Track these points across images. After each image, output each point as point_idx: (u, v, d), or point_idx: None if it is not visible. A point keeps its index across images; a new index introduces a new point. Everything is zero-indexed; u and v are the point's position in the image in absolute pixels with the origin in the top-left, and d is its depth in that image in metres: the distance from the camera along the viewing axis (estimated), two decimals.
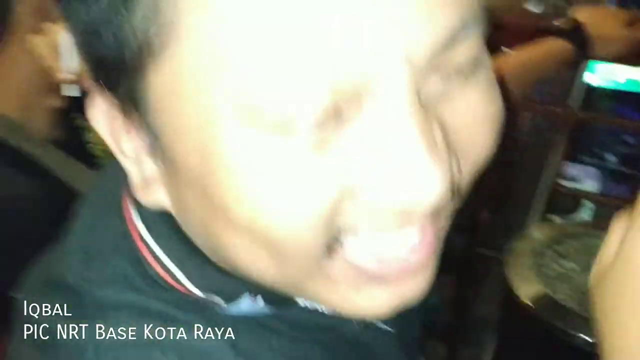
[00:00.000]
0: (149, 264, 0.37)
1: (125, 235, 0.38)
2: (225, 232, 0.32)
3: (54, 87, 0.83)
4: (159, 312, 0.36)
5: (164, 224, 0.37)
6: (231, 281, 0.37)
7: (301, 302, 0.40)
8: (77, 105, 0.84)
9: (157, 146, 0.32)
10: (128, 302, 0.36)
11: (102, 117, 0.34)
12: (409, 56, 0.27)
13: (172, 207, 0.35)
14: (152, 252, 0.37)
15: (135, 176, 0.35)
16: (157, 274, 0.37)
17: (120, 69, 0.30)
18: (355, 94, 0.27)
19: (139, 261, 0.37)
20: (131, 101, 0.32)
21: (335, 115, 0.28)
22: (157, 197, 0.35)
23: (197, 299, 0.37)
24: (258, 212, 0.29)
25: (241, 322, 0.38)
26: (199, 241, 0.37)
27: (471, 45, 0.30)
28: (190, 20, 0.27)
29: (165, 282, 0.37)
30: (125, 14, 0.28)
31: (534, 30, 0.97)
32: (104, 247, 0.38)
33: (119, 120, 0.34)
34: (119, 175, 0.37)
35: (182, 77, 0.28)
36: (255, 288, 0.37)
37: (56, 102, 0.85)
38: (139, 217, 0.38)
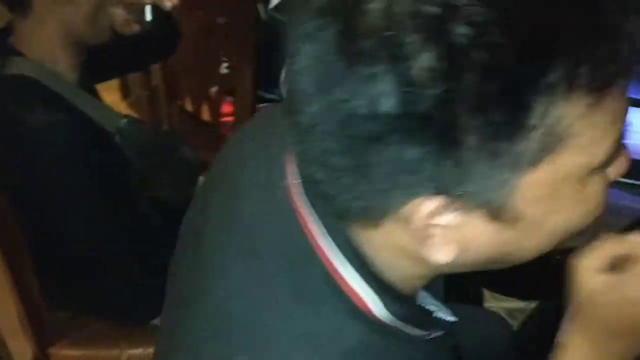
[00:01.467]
0: (351, 299, 0.45)
1: (328, 279, 0.45)
2: (536, 243, 0.45)
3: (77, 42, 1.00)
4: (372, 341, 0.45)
5: (359, 264, 0.45)
6: (415, 309, 0.49)
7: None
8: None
9: (498, 210, 0.40)
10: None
11: (427, 216, 0.40)
12: None
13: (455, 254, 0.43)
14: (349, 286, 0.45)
15: (439, 242, 0.42)
16: (359, 307, 0.45)
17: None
18: None
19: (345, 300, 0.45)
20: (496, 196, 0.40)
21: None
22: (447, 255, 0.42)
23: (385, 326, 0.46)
24: (583, 218, 0.44)
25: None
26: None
27: None
28: (578, 138, 0.38)
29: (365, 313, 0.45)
30: (523, 138, 0.36)
31: None
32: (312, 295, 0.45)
33: (442, 207, 0.40)
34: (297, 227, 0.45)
35: (556, 172, 0.39)
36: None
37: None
38: (338, 259, 0.45)
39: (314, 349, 0.44)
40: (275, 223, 0.49)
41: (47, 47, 0.99)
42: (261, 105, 1.56)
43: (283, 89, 1.52)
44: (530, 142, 0.36)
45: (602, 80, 0.36)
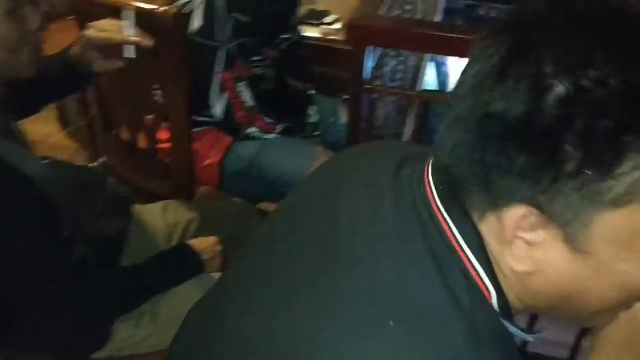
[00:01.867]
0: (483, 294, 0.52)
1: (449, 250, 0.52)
2: (602, 290, 0.50)
3: None
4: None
5: (479, 244, 0.52)
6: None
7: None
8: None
9: (574, 244, 0.47)
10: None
11: (518, 224, 0.48)
12: None
13: (529, 273, 0.50)
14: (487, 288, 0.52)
15: (517, 252, 0.50)
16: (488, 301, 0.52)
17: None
18: None
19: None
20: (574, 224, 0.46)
21: None
22: (522, 267, 0.50)
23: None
24: None
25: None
26: (536, 297, 0.52)
27: None
28: None
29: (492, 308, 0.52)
30: (612, 179, 0.43)
31: None
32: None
33: (535, 226, 0.48)
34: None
35: (634, 222, 0.45)
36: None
37: None
38: (479, 266, 0.51)
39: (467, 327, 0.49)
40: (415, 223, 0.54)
41: None
42: (196, 129, 1.56)
43: (216, 110, 1.54)
44: (617, 185, 0.43)
45: None
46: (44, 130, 2.70)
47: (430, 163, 0.56)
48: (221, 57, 1.49)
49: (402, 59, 2.51)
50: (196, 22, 1.44)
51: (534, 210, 0.46)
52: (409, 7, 2.36)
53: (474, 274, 0.51)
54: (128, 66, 1.47)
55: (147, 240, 1.24)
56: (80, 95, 2.26)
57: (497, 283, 0.51)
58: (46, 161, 1.01)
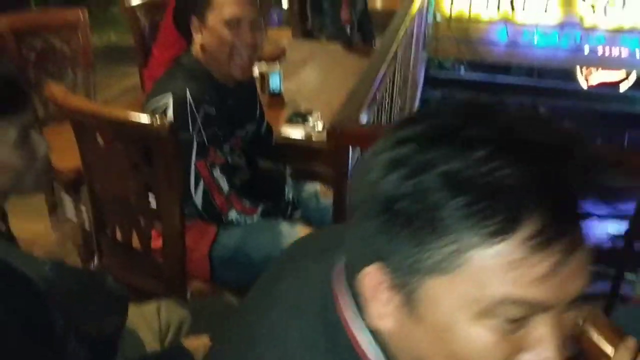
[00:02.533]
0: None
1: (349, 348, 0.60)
2: (430, 349, 0.55)
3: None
4: None
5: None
6: None
7: None
8: None
9: (412, 307, 0.54)
10: None
11: (372, 284, 0.57)
12: (568, 299, 0.52)
13: (392, 331, 0.58)
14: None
15: (376, 310, 0.58)
16: None
17: (418, 268, 0.53)
18: (539, 309, 0.51)
19: None
20: (408, 286, 0.54)
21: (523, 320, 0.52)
22: (385, 325, 0.58)
23: None
24: (468, 356, 0.52)
25: None
26: (401, 354, 0.59)
27: None
28: (473, 270, 0.51)
29: None
30: (430, 248, 0.52)
31: None
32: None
33: (384, 287, 0.56)
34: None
35: (453, 293, 0.51)
36: None
37: None
38: (363, 335, 0.61)
39: None
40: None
41: None
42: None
43: (196, 199, 1.62)
44: (435, 253, 0.51)
45: (492, 229, 0.49)
46: (36, 229, 2.74)
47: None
48: (194, 146, 1.60)
49: None
50: (169, 117, 1.55)
51: (382, 266, 0.55)
52: (386, 103, 2.52)
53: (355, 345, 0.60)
54: (122, 173, 1.56)
55: (140, 341, 1.27)
56: (73, 196, 2.35)
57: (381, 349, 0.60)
58: (47, 265, 1.05)
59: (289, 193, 1.92)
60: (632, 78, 6.05)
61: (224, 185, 1.64)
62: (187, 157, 1.59)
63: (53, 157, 1.25)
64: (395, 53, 2.45)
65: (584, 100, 5.65)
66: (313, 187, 2.10)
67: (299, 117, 2.25)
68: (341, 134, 1.52)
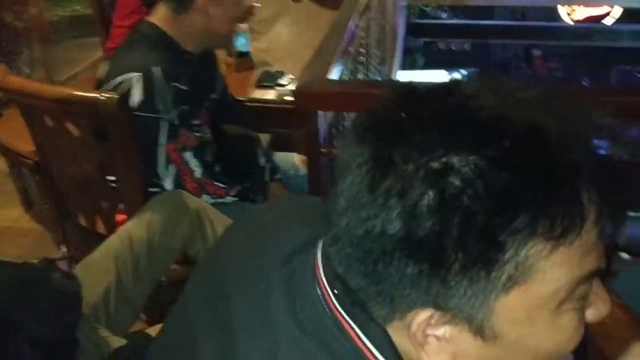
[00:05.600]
0: None
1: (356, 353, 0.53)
2: None
3: None
4: None
5: (388, 343, 0.53)
6: None
7: None
8: None
9: (484, 333, 0.49)
10: None
11: (422, 328, 0.50)
12: None
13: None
14: None
15: (434, 347, 0.51)
16: None
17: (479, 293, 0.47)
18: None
19: None
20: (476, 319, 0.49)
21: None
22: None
23: None
24: (560, 345, 0.51)
25: None
26: None
27: None
28: (543, 274, 0.47)
29: None
30: (495, 270, 0.46)
31: None
32: None
33: (436, 318, 0.50)
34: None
35: (526, 300, 0.48)
36: None
37: None
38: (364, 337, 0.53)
39: None
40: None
41: None
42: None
43: (165, 183, 1.52)
44: (502, 273, 0.46)
45: (558, 232, 0.46)
46: (11, 214, 2.66)
47: (320, 260, 0.57)
48: (164, 127, 1.48)
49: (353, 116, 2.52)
50: (136, 97, 1.42)
51: (435, 311, 0.49)
52: (362, 58, 2.39)
53: None
54: (76, 155, 1.45)
55: (104, 341, 1.19)
56: (40, 179, 2.24)
57: None
58: None
59: (262, 157, 1.82)
60: (617, 11, 5.92)
61: (197, 169, 1.54)
62: (154, 137, 1.47)
63: (15, 140, 1.15)
64: (368, 3, 2.31)
65: (569, 38, 5.52)
66: (290, 157, 2.00)
67: (270, 79, 2.12)
68: (308, 95, 1.41)
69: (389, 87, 0.53)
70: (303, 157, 1.99)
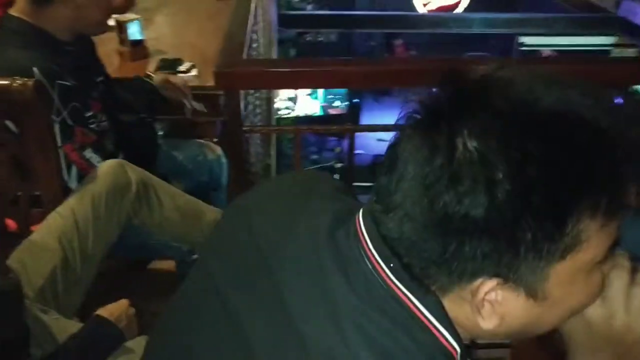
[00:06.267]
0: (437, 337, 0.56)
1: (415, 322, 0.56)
2: (555, 318, 0.60)
3: None
4: None
5: (443, 313, 0.56)
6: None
7: None
8: None
9: (536, 296, 0.55)
10: None
11: (485, 295, 0.55)
12: None
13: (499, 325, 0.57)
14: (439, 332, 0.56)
15: (487, 317, 0.57)
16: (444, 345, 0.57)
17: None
18: None
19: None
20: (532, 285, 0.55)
21: None
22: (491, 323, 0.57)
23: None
24: (590, 297, 0.61)
25: None
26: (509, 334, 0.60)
27: None
28: (590, 243, 0.54)
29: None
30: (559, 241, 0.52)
31: None
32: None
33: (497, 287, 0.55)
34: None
35: (574, 265, 0.55)
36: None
37: None
38: (422, 307, 0.56)
39: None
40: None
41: None
42: None
43: (71, 184, 1.44)
44: (562, 244, 0.53)
45: (614, 210, 0.54)
46: None
47: (366, 235, 0.59)
48: (57, 129, 1.39)
49: (257, 94, 2.56)
50: None
51: (500, 280, 0.54)
52: (255, 45, 2.42)
53: (442, 340, 0.56)
54: None
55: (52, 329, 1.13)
56: None
57: (460, 341, 0.57)
58: None
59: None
60: (466, 1, 6.45)
61: (99, 164, 1.48)
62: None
63: None
64: None
65: (426, 27, 5.91)
66: (196, 143, 1.99)
67: (169, 66, 2.09)
68: (230, 75, 1.42)
69: (442, 75, 0.57)
70: (208, 143, 1.99)
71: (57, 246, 1.25)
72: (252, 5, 2.29)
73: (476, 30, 5.61)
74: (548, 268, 0.54)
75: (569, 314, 0.61)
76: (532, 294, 0.55)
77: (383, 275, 0.57)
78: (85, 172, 1.44)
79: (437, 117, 0.54)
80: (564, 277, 0.55)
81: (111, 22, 2.04)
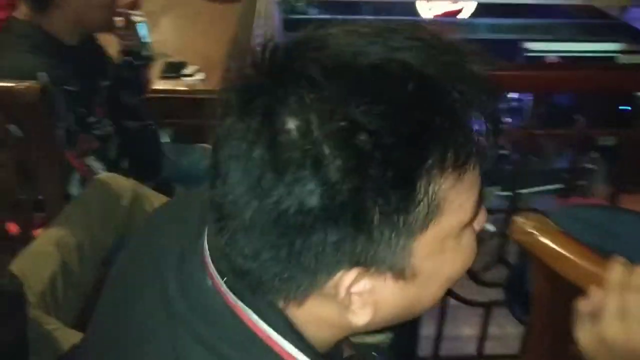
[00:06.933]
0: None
1: (254, 339, 0.51)
2: (435, 291, 0.55)
3: None
4: None
5: (286, 325, 0.52)
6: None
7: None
8: None
9: (405, 275, 0.50)
10: None
11: (348, 286, 0.49)
12: None
13: (374, 315, 0.52)
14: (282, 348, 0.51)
15: (360, 305, 0.51)
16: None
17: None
18: None
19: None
20: (398, 265, 0.49)
21: None
22: (365, 315, 0.52)
23: None
24: (465, 263, 0.55)
25: None
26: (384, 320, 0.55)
27: None
28: (450, 204, 0.48)
29: None
30: (413, 211, 0.47)
31: None
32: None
33: (365, 283, 0.50)
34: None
35: (439, 232, 0.49)
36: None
37: None
38: (262, 322, 0.51)
39: None
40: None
41: None
42: None
43: (72, 191, 1.43)
44: (418, 213, 0.47)
45: (462, 160, 0.48)
46: None
47: (206, 246, 0.56)
48: (61, 136, 1.38)
49: None
50: None
51: (361, 269, 0.48)
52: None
53: (284, 355, 0.51)
54: None
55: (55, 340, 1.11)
56: None
57: (311, 350, 0.52)
58: None
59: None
60: (471, 6, 6.44)
61: (101, 172, 1.47)
62: None
63: None
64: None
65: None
66: (200, 148, 1.97)
67: (173, 69, 2.07)
68: None
69: (250, 51, 0.48)
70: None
71: (55, 251, 1.26)
72: (257, 10, 2.29)
73: (481, 35, 5.59)
74: (410, 243, 0.48)
75: (448, 284, 0.55)
76: (399, 274, 0.50)
77: (221, 292, 0.53)
78: (87, 179, 1.43)
79: (251, 99, 0.46)
80: (431, 248, 0.50)
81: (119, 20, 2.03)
